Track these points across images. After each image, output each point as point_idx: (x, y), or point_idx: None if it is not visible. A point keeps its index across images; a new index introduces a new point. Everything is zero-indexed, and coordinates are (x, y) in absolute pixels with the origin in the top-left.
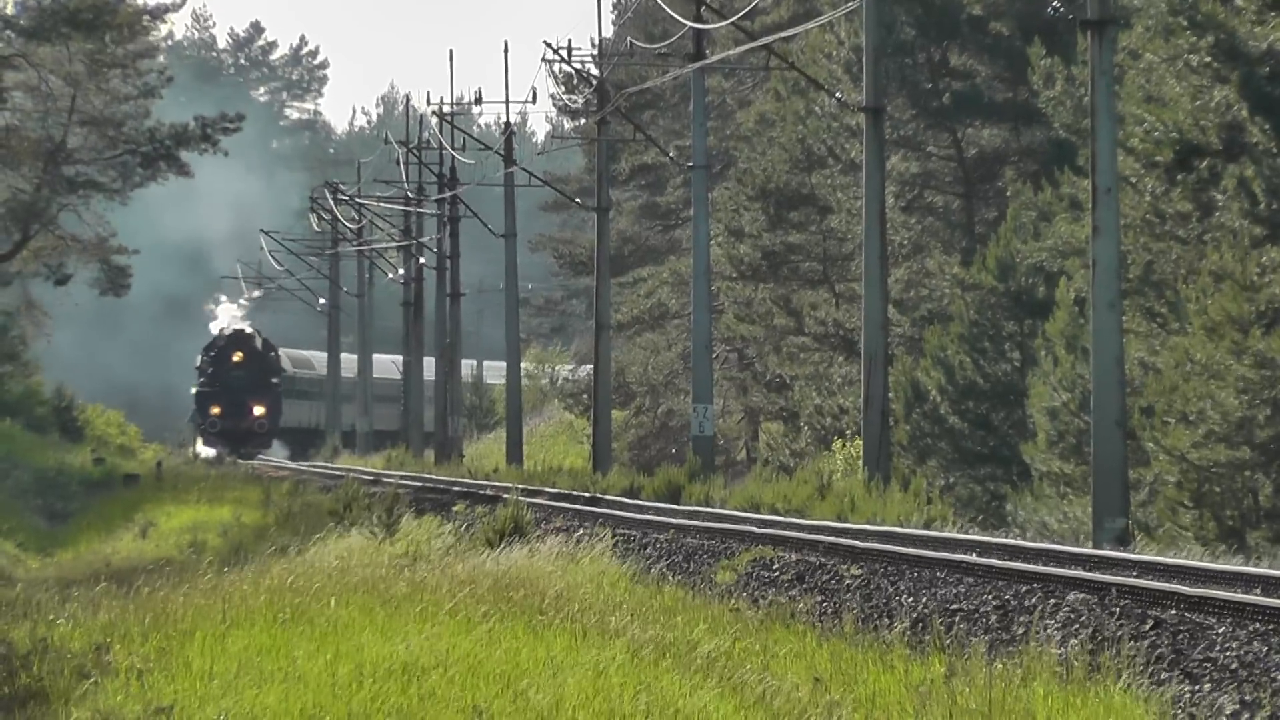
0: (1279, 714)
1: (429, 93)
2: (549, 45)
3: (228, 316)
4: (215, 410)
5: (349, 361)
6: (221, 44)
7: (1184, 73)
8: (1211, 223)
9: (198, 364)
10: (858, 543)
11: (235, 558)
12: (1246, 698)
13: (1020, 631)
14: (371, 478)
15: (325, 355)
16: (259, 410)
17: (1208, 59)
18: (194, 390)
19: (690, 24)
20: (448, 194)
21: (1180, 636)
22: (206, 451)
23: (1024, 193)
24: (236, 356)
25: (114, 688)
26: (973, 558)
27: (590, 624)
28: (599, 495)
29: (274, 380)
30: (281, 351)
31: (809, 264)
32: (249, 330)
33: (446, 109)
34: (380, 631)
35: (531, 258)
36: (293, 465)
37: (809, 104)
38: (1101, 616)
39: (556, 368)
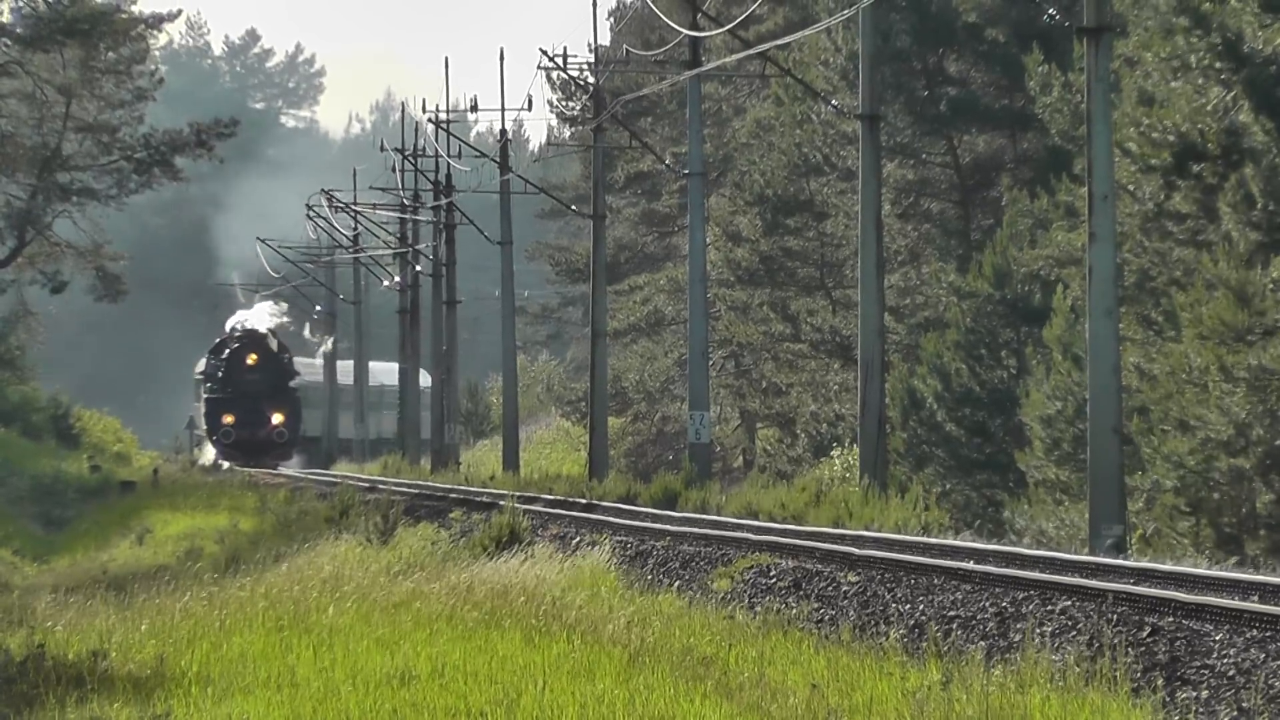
0: None
1: (425, 100)
2: (545, 53)
3: (260, 315)
4: (229, 419)
5: (344, 368)
6: (217, 51)
7: (1182, 72)
8: (1209, 229)
9: (202, 368)
10: (854, 550)
11: (232, 565)
12: (1244, 704)
13: (1017, 638)
14: (368, 485)
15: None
16: (277, 418)
17: (1208, 60)
18: (203, 396)
19: (686, 31)
20: (444, 201)
21: (1178, 643)
22: (204, 459)
23: (1020, 200)
24: (250, 359)
25: (111, 695)
26: (970, 565)
27: (586, 631)
28: (595, 502)
29: (291, 385)
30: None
31: (806, 270)
32: (263, 330)
33: (442, 116)
34: (377, 638)
35: (528, 265)
36: (289, 472)
37: (806, 110)
38: (1099, 623)
39: (549, 376)
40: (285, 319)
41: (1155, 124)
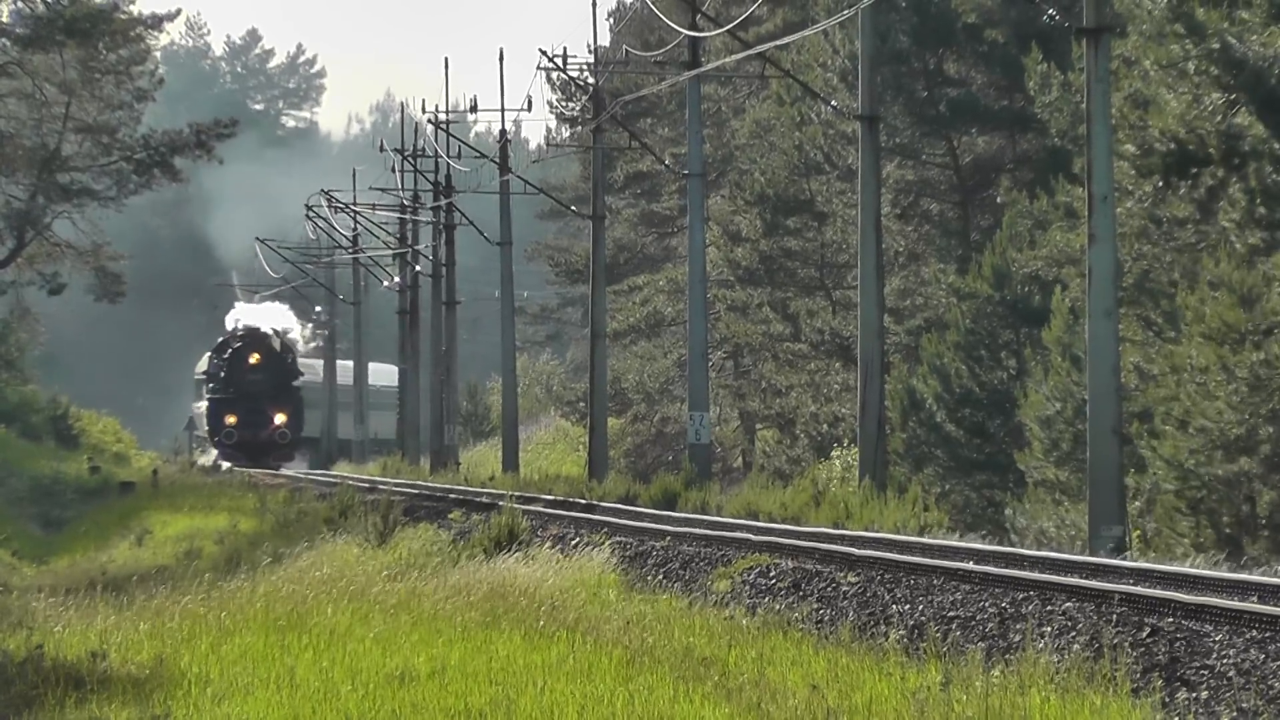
0: None
1: (424, 100)
2: (544, 53)
3: (264, 314)
4: (231, 419)
5: (344, 369)
6: (218, 52)
7: (1180, 79)
8: (1208, 230)
9: (204, 368)
10: (854, 550)
11: (231, 565)
12: (1243, 705)
13: (1017, 639)
14: (367, 485)
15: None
16: (280, 418)
17: (1205, 65)
18: (205, 396)
19: (686, 32)
20: (443, 202)
21: (1177, 644)
22: (204, 460)
23: (1019, 201)
24: (253, 359)
25: (110, 696)
26: (969, 565)
27: (585, 631)
28: (595, 503)
29: (295, 385)
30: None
31: (805, 270)
32: (266, 329)
33: (442, 117)
34: (376, 639)
35: (527, 266)
36: (288, 473)
37: (805, 111)
38: (1098, 624)
39: (548, 376)
40: (290, 327)
41: (1155, 132)
